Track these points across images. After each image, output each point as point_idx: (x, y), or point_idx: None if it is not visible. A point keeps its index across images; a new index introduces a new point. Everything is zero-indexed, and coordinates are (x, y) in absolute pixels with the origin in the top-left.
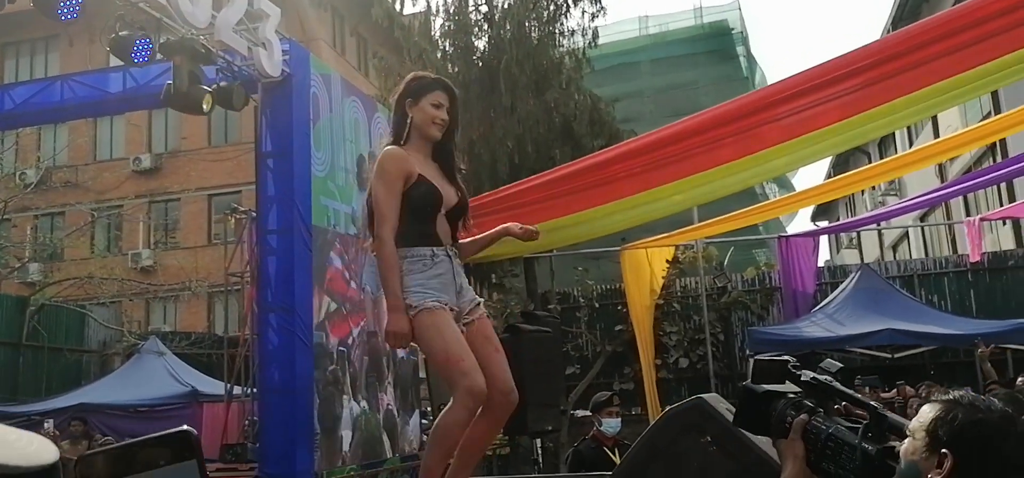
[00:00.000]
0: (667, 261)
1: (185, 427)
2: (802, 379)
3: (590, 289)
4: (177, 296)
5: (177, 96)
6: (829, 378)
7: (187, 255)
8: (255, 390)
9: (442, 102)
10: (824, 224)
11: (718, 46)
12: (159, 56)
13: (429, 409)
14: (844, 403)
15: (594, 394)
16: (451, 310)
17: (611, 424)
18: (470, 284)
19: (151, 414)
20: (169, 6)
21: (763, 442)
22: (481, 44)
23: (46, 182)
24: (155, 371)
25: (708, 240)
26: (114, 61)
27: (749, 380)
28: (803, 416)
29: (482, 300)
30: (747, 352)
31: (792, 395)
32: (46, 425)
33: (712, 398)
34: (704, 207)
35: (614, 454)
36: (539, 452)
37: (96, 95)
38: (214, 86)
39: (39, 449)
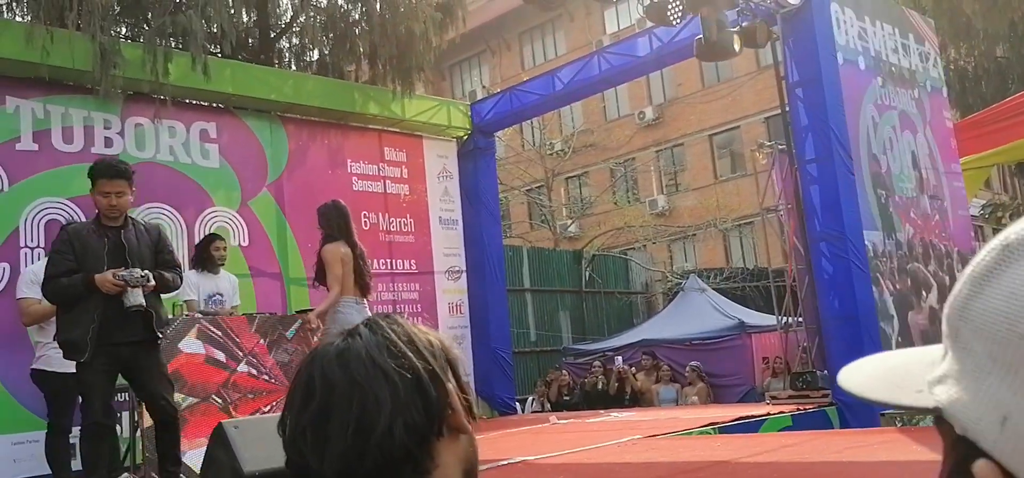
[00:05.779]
0: None
1: None
2: None
3: None
4: (694, 235)
5: (708, 46)
6: None
7: (697, 195)
8: (802, 319)
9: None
10: None
11: None
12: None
13: None
14: None
15: None
16: None
17: None
18: None
19: (704, 346)
20: None
21: None
22: None
23: (571, 148)
24: (701, 307)
25: None
26: (610, 26)
27: None
28: None
29: None
30: None
31: None
32: (618, 360)
33: None
34: None
35: None
36: None
37: (629, 62)
38: (738, 28)
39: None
